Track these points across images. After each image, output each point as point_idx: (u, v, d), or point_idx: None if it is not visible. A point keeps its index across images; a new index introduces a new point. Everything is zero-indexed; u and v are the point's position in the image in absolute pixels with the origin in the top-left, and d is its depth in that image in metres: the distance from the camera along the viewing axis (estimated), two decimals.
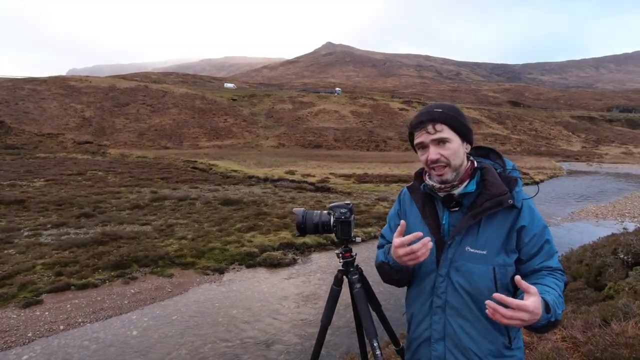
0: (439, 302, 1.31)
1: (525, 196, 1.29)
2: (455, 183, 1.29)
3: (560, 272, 1.28)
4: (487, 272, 1.24)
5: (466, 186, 1.30)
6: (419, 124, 1.29)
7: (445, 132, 1.27)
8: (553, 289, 1.20)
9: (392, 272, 1.37)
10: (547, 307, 1.11)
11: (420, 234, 1.21)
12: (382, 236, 1.57)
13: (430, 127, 1.27)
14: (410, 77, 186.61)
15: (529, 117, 74.61)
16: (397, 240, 1.24)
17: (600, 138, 66.72)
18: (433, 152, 1.27)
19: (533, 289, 1.08)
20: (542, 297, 1.11)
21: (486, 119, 66.98)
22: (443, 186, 1.30)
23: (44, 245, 8.14)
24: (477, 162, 1.37)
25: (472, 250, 1.27)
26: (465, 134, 1.31)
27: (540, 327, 1.14)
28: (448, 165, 1.27)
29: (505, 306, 1.06)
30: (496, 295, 1.07)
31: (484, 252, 1.25)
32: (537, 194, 1.32)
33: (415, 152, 1.37)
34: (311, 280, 7.38)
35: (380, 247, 1.57)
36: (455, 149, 1.28)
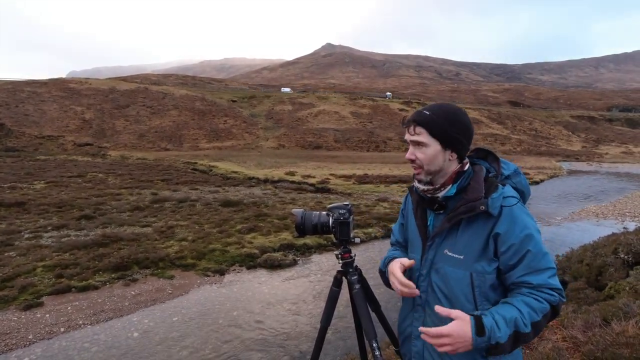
0: (420, 301, 1.35)
1: (509, 202, 1.22)
2: (437, 186, 1.30)
3: (548, 291, 1.18)
4: (464, 277, 1.24)
5: (448, 190, 1.30)
6: (406, 123, 1.32)
7: (423, 137, 1.26)
8: (517, 307, 1.14)
9: (387, 282, 1.46)
10: (480, 328, 1.10)
11: (411, 286, 1.30)
12: (393, 233, 1.63)
13: (411, 128, 1.29)
14: (409, 78, 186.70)
15: (529, 117, 74.62)
16: (394, 269, 1.34)
17: (600, 138, 66.70)
18: (409, 152, 1.31)
19: (454, 312, 1.14)
20: (477, 317, 1.12)
21: (486, 119, 66.98)
22: (426, 188, 1.32)
23: (45, 248, 8.14)
24: (470, 165, 1.35)
25: (450, 253, 1.28)
26: (449, 142, 1.26)
27: (485, 349, 1.14)
28: (422, 167, 1.30)
29: None
30: (421, 328, 1.17)
31: (461, 257, 1.25)
32: (519, 201, 1.25)
33: None
34: (311, 281, 7.38)
35: (391, 244, 1.63)
36: (431, 155, 1.27)
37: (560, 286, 1.21)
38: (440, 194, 1.31)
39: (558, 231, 11.55)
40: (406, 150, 1.36)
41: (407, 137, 1.31)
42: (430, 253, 1.33)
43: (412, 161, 1.31)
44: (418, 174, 1.32)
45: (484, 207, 1.20)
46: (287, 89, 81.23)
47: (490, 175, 1.32)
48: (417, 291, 1.30)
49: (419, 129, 1.27)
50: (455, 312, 1.14)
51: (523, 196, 1.32)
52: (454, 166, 1.31)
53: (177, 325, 5.58)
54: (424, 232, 1.37)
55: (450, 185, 1.30)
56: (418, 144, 1.28)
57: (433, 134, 1.26)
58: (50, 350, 4.84)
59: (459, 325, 1.11)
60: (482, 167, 1.34)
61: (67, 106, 49.67)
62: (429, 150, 1.27)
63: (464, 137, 1.28)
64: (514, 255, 1.20)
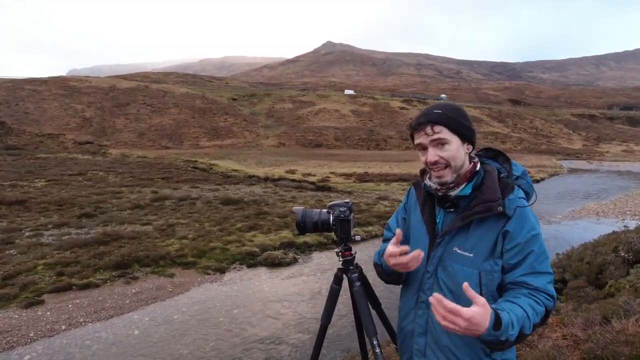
0: (424, 298, 1.34)
1: (522, 204, 1.25)
2: (451, 185, 1.29)
3: (545, 295, 1.20)
4: (472, 275, 1.24)
5: (462, 189, 1.30)
6: (418, 125, 1.30)
7: (444, 134, 1.26)
8: (524, 309, 1.14)
9: (384, 274, 1.45)
10: (497, 323, 1.07)
11: (417, 252, 1.26)
12: (389, 228, 1.60)
13: (428, 129, 1.27)
14: (410, 76, 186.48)
15: (530, 116, 74.54)
16: (390, 249, 1.30)
17: (601, 136, 66.60)
18: (431, 154, 1.28)
19: (480, 299, 1.06)
20: (496, 312, 1.08)
21: (487, 118, 66.92)
22: (440, 187, 1.31)
23: (45, 246, 8.15)
24: (481, 164, 1.36)
25: (459, 251, 1.28)
26: (465, 135, 1.29)
27: (489, 342, 1.11)
28: (448, 166, 1.27)
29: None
30: (435, 295, 1.08)
31: (471, 255, 1.25)
32: (534, 202, 1.30)
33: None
34: (312, 279, 7.39)
35: (384, 240, 1.61)
36: (454, 151, 1.27)
37: (555, 293, 1.23)
38: (454, 193, 1.30)
39: (558, 229, 11.55)
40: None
41: (424, 139, 1.28)
42: (438, 250, 1.32)
43: (436, 163, 1.27)
44: (442, 175, 1.28)
45: (501, 209, 1.21)
46: (351, 91, 77.35)
47: (502, 175, 1.34)
48: (421, 253, 1.26)
49: (438, 128, 1.26)
50: (480, 299, 1.06)
51: (528, 197, 1.34)
52: (469, 162, 1.33)
53: (177, 323, 5.59)
54: (432, 229, 1.36)
55: (465, 184, 1.30)
56: (440, 142, 1.27)
57: (452, 129, 1.27)
58: (51, 347, 4.85)
59: (480, 314, 1.05)
60: (493, 167, 1.35)
61: (67, 104, 49.66)
62: (452, 146, 1.27)
63: (473, 129, 1.35)
64: (518, 253, 1.21)
